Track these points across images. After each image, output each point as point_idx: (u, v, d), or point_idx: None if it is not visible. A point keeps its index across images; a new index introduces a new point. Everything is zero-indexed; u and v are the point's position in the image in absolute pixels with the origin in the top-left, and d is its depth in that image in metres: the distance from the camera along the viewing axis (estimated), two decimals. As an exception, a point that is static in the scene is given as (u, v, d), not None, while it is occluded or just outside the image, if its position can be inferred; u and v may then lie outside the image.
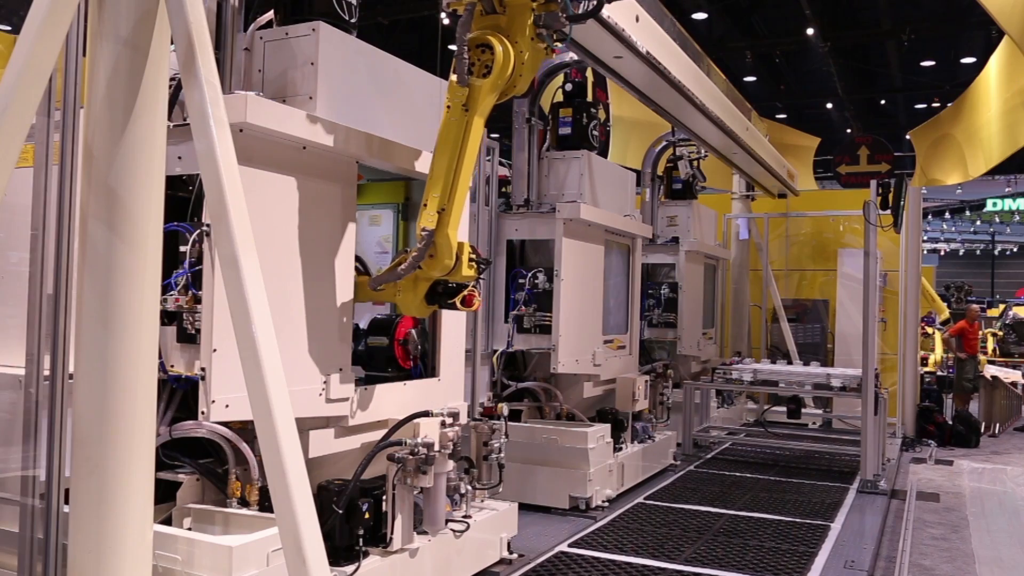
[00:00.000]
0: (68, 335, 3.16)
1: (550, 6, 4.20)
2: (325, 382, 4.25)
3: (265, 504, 3.98)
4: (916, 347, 12.44)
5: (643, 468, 8.27)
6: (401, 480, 4.42)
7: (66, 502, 3.04)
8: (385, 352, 4.85)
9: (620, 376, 8.14)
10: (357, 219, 4.57)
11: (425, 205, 4.23)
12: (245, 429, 4.00)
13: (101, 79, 2.76)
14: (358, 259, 4.67)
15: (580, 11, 4.26)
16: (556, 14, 4.22)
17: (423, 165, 4.81)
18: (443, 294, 4.42)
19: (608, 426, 7.50)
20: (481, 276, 4.52)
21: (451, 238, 4.22)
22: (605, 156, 9.37)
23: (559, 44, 4.41)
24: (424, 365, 5.11)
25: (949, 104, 14.96)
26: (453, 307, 4.50)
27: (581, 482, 6.96)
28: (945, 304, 20.74)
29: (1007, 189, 33.81)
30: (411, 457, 4.37)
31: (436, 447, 4.44)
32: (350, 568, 4.16)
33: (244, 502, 4.02)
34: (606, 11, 5.15)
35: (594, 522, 6.64)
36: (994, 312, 26.96)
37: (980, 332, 15.14)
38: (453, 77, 4.20)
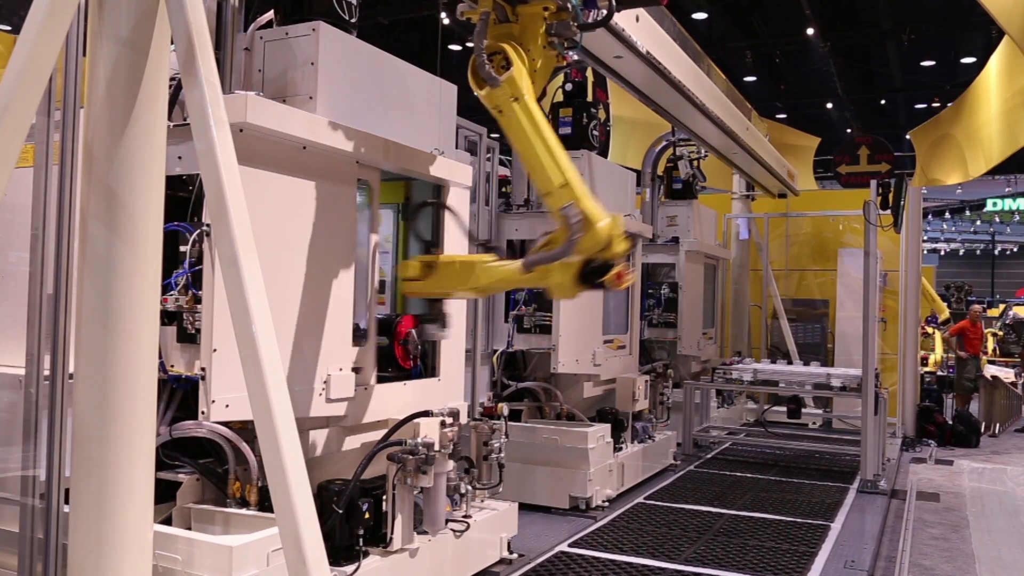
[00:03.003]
0: (68, 335, 3.16)
1: (561, 15, 4.27)
2: (325, 382, 4.25)
3: (265, 504, 3.98)
4: (916, 347, 12.44)
5: (643, 468, 8.27)
6: (401, 480, 4.42)
7: (66, 502, 3.04)
8: (385, 352, 4.85)
9: (620, 376, 8.14)
10: (358, 219, 4.57)
11: (548, 193, 4.19)
12: (245, 429, 3.99)
13: (101, 79, 2.76)
14: (493, 247, 4.60)
15: (591, 20, 4.36)
16: (567, 23, 4.29)
17: (423, 165, 4.82)
18: (594, 272, 4.22)
19: (608, 426, 7.50)
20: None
21: (596, 209, 4.10)
22: (605, 156, 9.37)
23: (570, 51, 4.48)
24: (424, 365, 5.11)
25: (949, 104, 14.95)
26: (603, 287, 4.28)
27: (581, 482, 6.96)
28: (945, 304, 20.72)
29: (1007, 189, 33.80)
30: (411, 457, 4.37)
31: (436, 447, 4.44)
32: (350, 568, 4.16)
33: (244, 502, 4.02)
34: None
35: (594, 522, 6.64)
36: (994, 312, 26.98)
37: (982, 332, 15.14)
38: (482, 91, 4.25)
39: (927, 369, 15.86)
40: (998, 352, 21.97)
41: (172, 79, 3.29)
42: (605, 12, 4.37)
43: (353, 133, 4.30)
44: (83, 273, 2.80)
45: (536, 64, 4.29)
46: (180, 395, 4.00)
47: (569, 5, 4.24)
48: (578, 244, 4.10)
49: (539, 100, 5.33)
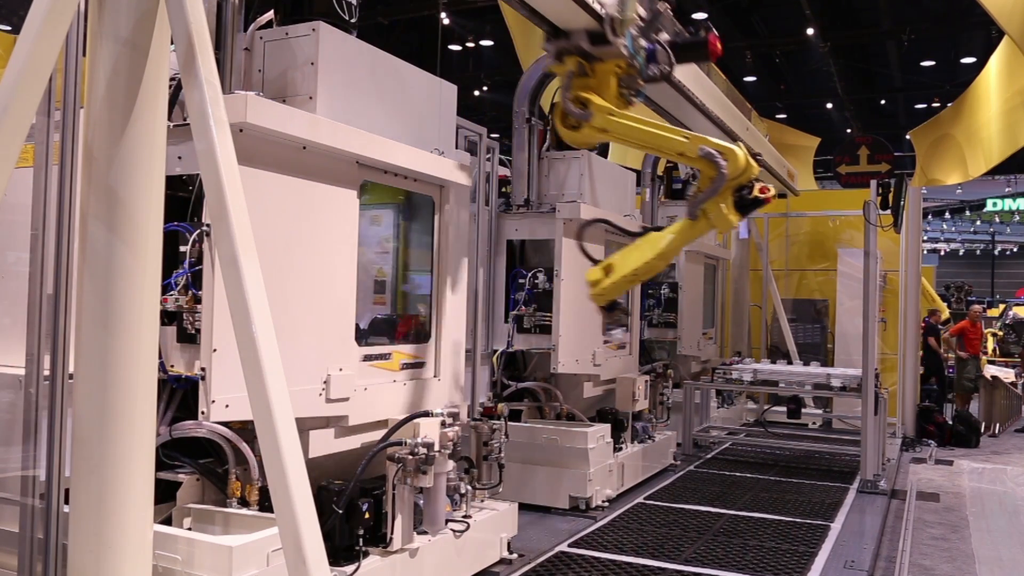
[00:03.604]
0: (68, 335, 3.16)
1: (630, 71, 5.12)
2: (325, 382, 4.25)
3: (265, 504, 3.98)
4: (916, 347, 12.44)
5: (643, 468, 8.27)
6: (401, 480, 4.42)
7: (66, 502, 3.04)
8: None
9: (620, 376, 8.14)
10: (360, 218, 4.57)
11: (681, 154, 5.14)
12: (245, 429, 4.00)
13: (101, 79, 2.76)
14: (658, 227, 5.35)
15: (654, 75, 5.24)
16: (635, 77, 5.18)
17: (422, 165, 4.83)
18: (746, 196, 5.07)
19: (608, 426, 7.50)
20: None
21: (724, 143, 4.98)
22: (605, 156, 9.37)
23: (635, 97, 5.41)
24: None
25: (949, 104, 14.95)
26: (756, 203, 5.11)
27: (581, 482, 6.96)
28: (945, 304, 20.72)
29: (1007, 189, 33.81)
30: (411, 457, 4.37)
31: (436, 447, 4.44)
32: (350, 568, 4.16)
33: (244, 502, 4.02)
34: (605, 11, 5.20)
35: (594, 522, 6.64)
36: (994, 312, 26.99)
37: (982, 332, 15.14)
38: (579, 131, 5.13)
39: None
40: (998, 352, 21.98)
41: (172, 79, 3.29)
42: (666, 68, 5.25)
43: (353, 133, 4.30)
44: (83, 273, 2.80)
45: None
46: (180, 395, 4.00)
47: (636, 63, 5.07)
48: (727, 173, 4.92)
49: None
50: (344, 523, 4.20)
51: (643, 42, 5.24)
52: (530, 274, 7.38)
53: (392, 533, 4.44)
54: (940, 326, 15.11)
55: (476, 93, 20.74)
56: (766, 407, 12.23)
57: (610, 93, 5.21)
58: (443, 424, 4.54)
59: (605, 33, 5.07)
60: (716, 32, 5.45)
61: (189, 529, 3.89)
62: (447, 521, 4.83)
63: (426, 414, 4.54)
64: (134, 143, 2.77)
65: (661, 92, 7.22)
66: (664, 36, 5.38)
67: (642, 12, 5.24)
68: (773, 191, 5.29)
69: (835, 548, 6.16)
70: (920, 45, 17.77)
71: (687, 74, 7.12)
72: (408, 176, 4.89)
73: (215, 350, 3.67)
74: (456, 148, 5.69)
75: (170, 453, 4.02)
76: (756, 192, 5.16)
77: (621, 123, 5.20)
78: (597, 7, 4.97)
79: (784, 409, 11.67)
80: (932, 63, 19.95)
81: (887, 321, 12.06)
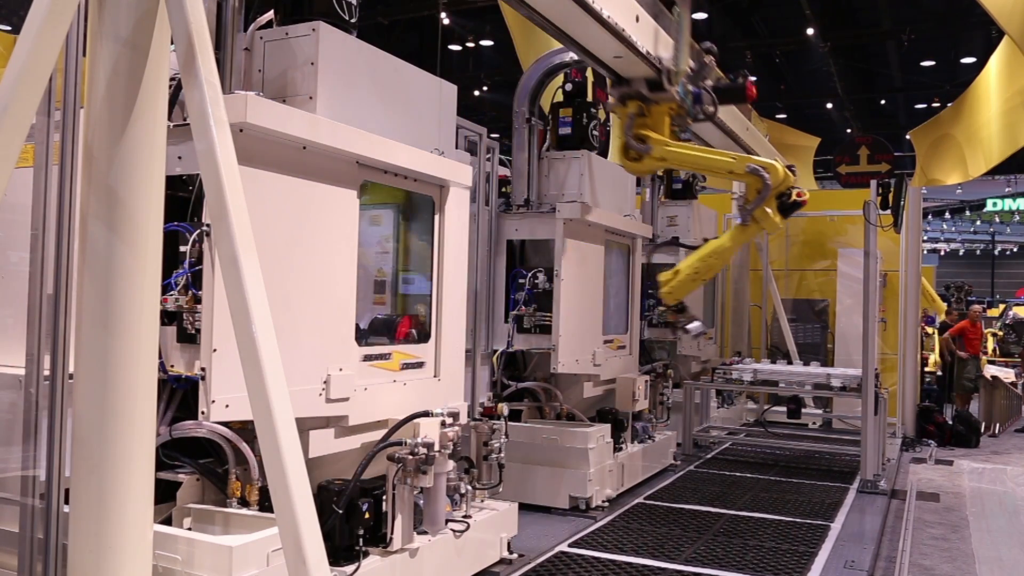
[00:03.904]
0: (68, 335, 3.16)
1: (680, 111, 6.36)
2: (325, 382, 4.25)
3: (265, 504, 3.98)
4: (916, 347, 12.43)
5: (643, 468, 8.27)
6: (401, 480, 4.42)
7: (66, 502, 3.04)
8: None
9: (620, 376, 8.14)
10: (360, 218, 4.57)
11: (731, 172, 6.65)
12: (245, 429, 4.00)
13: (101, 79, 2.76)
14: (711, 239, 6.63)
15: (700, 116, 6.48)
16: (684, 116, 6.42)
17: (422, 165, 4.83)
18: (786, 200, 6.48)
19: (608, 426, 7.50)
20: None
21: (767, 160, 6.51)
22: (605, 156, 9.36)
23: (683, 133, 6.77)
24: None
25: (949, 104, 14.95)
26: (797, 205, 6.54)
27: (581, 482, 6.96)
28: (945, 304, 20.72)
29: (1007, 189, 33.82)
30: (411, 457, 4.37)
31: (436, 447, 4.44)
32: (350, 568, 4.16)
33: (244, 502, 4.02)
34: (606, 11, 5.24)
35: (594, 522, 6.64)
36: (994, 312, 26.99)
37: (982, 332, 15.14)
38: (641, 162, 6.46)
39: (927, 369, 15.84)
40: (998, 352, 21.97)
41: (172, 79, 3.29)
42: (712, 109, 6.46)
43: (353, 133, 4.30)
44: (83, 273, 2.80)
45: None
46: (180, 395, 4.00)
47: (686, 105, 6.25)
48: (771, 183, 6.34)
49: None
50: (344, 523, 4.20)
51: (691, 87, 6.28)
52: (530, 274, 7.38)
53: (392, 533, 4.44)
54: (939, 326, 15.11)
55: (476, 93, 20.74)
56: (766, 407, 12.22)
57: (664, 129, 6.35)
58: (443, 424, 4.54)
59: (662, 82, 6.14)
60: (752, 79, 6.67)
61: (189, 529, 3.89)
62: (447, 521, 4.83)
63: (426, 414, 4.54)
64: (134, 143, 2.77)
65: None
66: (708, 82, 6.45)
67: (692, 64, 6.28)
68: (806, 195, 6.55)
69: (835, 548, 6.16)
70: (920, 45, 17.77)
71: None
72: (408, 176, 4.89)
73: (215, 350, 3.67)
74: (456, 148, 5.69)
75: (170, 453, 4.02)
76: (794, 196, 6.48)
77: (677, 152, 6.43)
78: (656, 61, 6.01)
79: (784, 409, 11.66)
80: (932, 63, 19.96)
81: (887, 321, 12.06)
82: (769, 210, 6.49)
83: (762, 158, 6.49)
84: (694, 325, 7.65)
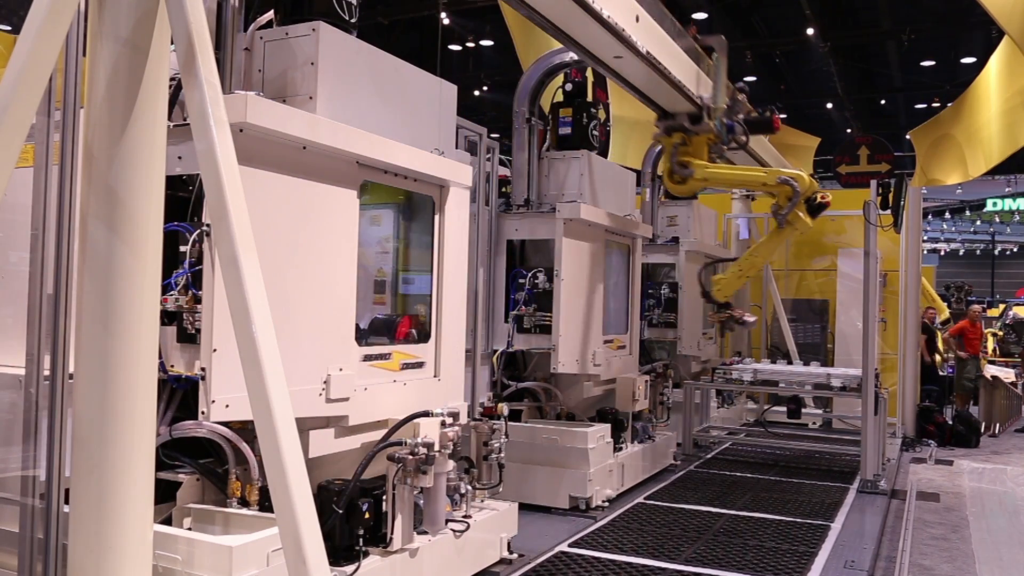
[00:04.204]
0: (68, 335, 3.16)
1: (716, 140, 7.68)
2: (325, 382, 4.25)
3: (265, 504, 3.98)
4: (916, 347, 12.43)
5: (643, 468, 8.27)
6: (401, 480, 4.42)
7: (66, 502, 3.04)
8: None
9: (620, 376, 8.14)
10: (360, 218, 4.57)
11: (764, 184, 8.08)
12: (245, 429, 4.00)
13: (101, 79, 2.76)
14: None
15: (733, 145, 7.85)
16: (719, 144, 7.75)
17: (424, 165, 4.83)
18: (813, 203, 7.89)
19: (608, 426, 7.50)
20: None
21: (795, 171, 8.01)
22: (605, 156, 9.37)
23: (719, 159, 8.01)
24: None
25: (949, 104, 14.94)
26: (823, 206, 7.93)
27: (581, 482, 6.96)
28: (945, 304, 20.72)
29: (1007, 189, 33.78)
30: (411, 457, 4.37)
31: (436, 447, 4.44)
32: (350, 568, 4.16)
33: (244, 502, 4.02)
34: (606, 11, 5.25)
35: (594, 522, 6.64)
36: (994, 312, 26.97)
37: (982, 332, 15.13)
38: (684, 185, 7.76)
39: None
40: (998, 352, 21.96)
41: (172, 79, 3.29)
42: (744, 139, 7.88)
43: (353, 133, 4.30)
44: (83, 273, 2.80)
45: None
46: (180, 395, 4.00)
47: (722, 135, 7.57)
48: (800, 190, 7.74)
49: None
50: (344, 523, 4.20)
51: (726, 120, 7.56)
52: (530, 274, 7.38)
53: (392, 533, 4.44)
54: (940, 326, 15.10)
55: (476, 93, 20.74)
56: (766, 407, 12.22)
57: (703, 156, 7.63)
58: (443, 424, 4.54)
59: (702, 116, 7.42)
60: (779, 113, 8.03)
61: (189, 529, 3.89)
62: (447, 521, 4.83)
63: (426, 414, 4.54)
64: (134, 143, 2.77)
65: (661, 92, 7.23)
66: (740, 116, 7.77)
67: (727, 100, 7.61)
68: (830, 196, 7.91)
69: (835, 548, 6.16)
70: (920, 45, 17.76)
71: (687, 74, 7.12)
72: (408, 176, 4.89)
73: (215, 350, 3.67)
74: (456, 148, 5.69)
75: (170, 453, 4.02)
76: (819, 199, 7.86)
77: (716, 172, 7.75)
78: (698, 99, 7.37)
79: (784, 409, 11.66)
80: (932, 63, 19.95)
81: (887, 321, 12.06)
82: (800, 213, 7.79)
83: (789, 170, 7.86)
84: (750, 318, 8.96)
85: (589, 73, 8.32)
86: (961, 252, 48.50)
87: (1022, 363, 17.35)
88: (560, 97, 7.99)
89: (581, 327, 7.55)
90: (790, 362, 10.80)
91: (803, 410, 11.79)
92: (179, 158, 3.85)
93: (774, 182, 7.84)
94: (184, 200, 4.17)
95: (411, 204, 5.40)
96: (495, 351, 7.29)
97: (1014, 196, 35.12)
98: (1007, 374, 15.55)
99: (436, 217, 5.20)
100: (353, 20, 4.54)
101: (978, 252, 48.65)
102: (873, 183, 9.30)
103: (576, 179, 7.58)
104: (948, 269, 43.92)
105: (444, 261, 5.19)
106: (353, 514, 4.23)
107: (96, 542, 2.77)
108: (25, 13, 2.56)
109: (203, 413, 3.70)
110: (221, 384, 3.68)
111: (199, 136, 2.72)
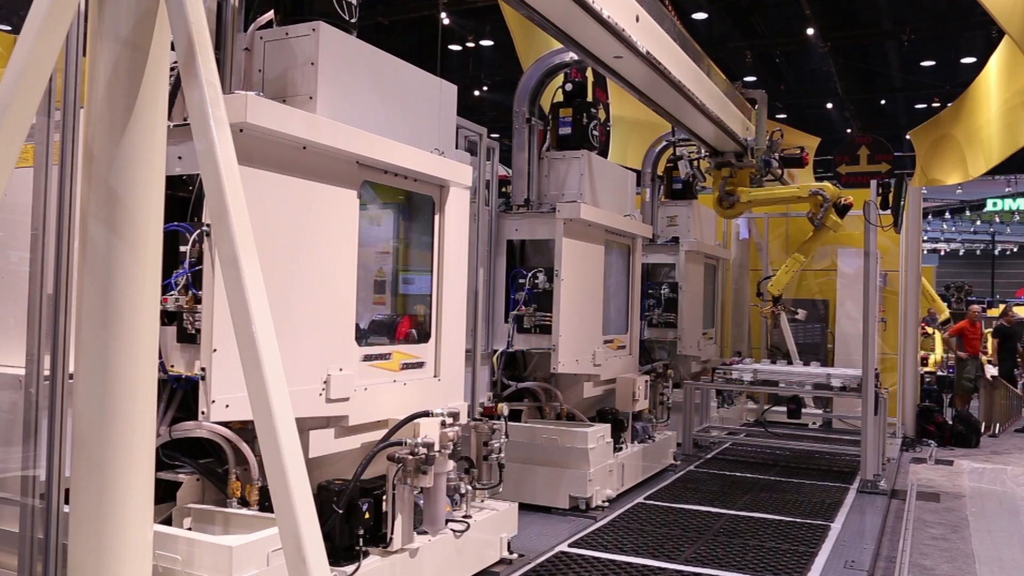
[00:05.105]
0: (68, 335, 3.16)
1: (756, 173, 9.55)
2: (325, 382, 4.25)
3: (265, 504, 3.98)
4: (916, 347, 12.43)
5: (643, 468, 8.27)
6: (401, 480, 4.42)
7: (66, 502, 3.04)
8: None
9: (620, 376, 8.14)
10: (360, 218, 4.57)
11: (798, 198, 10.36)
12: (245, 429, 4.00)
13: (101, 79, 2.76)
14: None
15: (769, 177, 9.92)
16: (758, 176, 9.61)
17: (425, 166, 4.83)
18: (840, 205, 10.07)
19: (608, 426, 7.50)
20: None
21: (822, 184, 10.39)
22: (605, 156, 9.41)
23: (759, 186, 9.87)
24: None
25: (949, 104, 14.95)
26: (848, 208, 10.13)
27: (581, 482, 6.96)
28: (945, 304, 20.70)
29: (1007, 189, 33.78)
30: (411, 457, 4.37)
31: (436, 447, 4.44)
32: (350, 568, 4.16)
33: (244, 502, 4.02)
34: (606, 11, 5.25)
35: (594, 522, 6.64)
36: (994, 312, 26.94)
37: (982, 332, 15.12)
38: (732, 209, 9.91)
39: (927, 369, 15.84)
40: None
41: (172, 69, 3.28)
42: (780, 171, 9.94)
43: (353, 133, 4.30)
44: (83, 273, 2.80)
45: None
46: (180, 395, 4.00)
47: (761, 169, 9.44)
48: (829, 198, 10.00)
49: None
50: (344, 523, 4.20)
51: (764, 157, 9.39)
52: (530, 274, 7.38)
53: (392, 533, 4.44)
54: (940, 326, 15.09)
55: (476, 93, 20.74)
56: (766, 407, 12.22)
57: (746, 184, 9.58)
58: (443, 424, 4.54)
59: (746, 154, 9.24)
60: (808, 152, 10.54)
61: (189, 529, 3.89)
62: (447, 521, 4.83)
63: (426, 414, 4.54)
64: (134, 143, 2.77)
65: (661, 92, 7.22)
66: (776, 154, 9.73)
67: (767, 141, 9.42)
68: (851, 198, 10.04)
69: (835, 548, 6.16)
70: (920, 45, 17.78)
71: (687, 74, 7.12)
72: (408, 176, 4.90)
73: (215, 350, 3.67)
74: (456, 148, 5.69)
75: (170, 453, 4.02)
76: (844, 201, 10.04)
77: (758, 195, 9.74)
78: (743, 141, 9.11)
79: (784, 409, 11.66)
80: (932, 63, 19.96)
81: (887, 321, 12.06)
82: (831, 216, 10.03)
83: (821, 184, 10.35)
84: (802, 313, 11.10)
85: (589, 73, 8.32)
86: (961, 252, 48.52)
87: (1022, 363, 17.32)
88: (560, 97, 7.99)
89: (581, 327, 7.55)
90: (790, 362, 10.80)
91: (803, 410, 11.79)
92: (179, 158, 3.85)
93: (807, 194, 10.02)
94: (184, 200, 4.17)
95: (411, 204, 5.40)
96: (495, 351, 7.30)
97: (1014, 196, 35.12)
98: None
99: (436, 217, 5.20)
100: (353, 20, 4.54)
101: (978, 252, 48.66)
102: (873, 183, 9.30)
103: (576, 179, 7.58)
104: (948, 269, 43.94)
105: (444, 261, 5.19)
106: (353, 514, 4.23)
107: (96, 542, 2.76)
108: (25, 13, 2.56)
109: (203, 413, 3.70)
110: (221, 384, 3.68)
111: (199, 136, 2.72)
